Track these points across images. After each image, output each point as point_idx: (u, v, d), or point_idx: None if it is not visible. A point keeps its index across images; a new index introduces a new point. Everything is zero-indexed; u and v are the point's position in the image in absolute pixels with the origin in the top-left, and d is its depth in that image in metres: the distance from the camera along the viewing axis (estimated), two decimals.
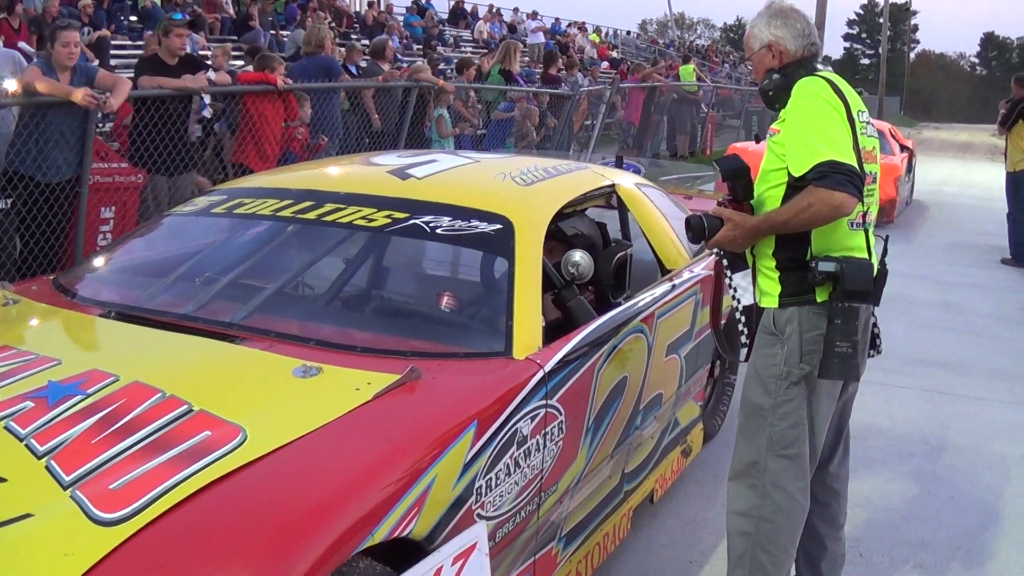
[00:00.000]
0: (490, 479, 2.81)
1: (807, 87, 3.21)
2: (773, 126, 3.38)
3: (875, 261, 3.34)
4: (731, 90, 30.64)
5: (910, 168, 14.69)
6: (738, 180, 3.35)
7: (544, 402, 3.12)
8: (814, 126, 3.13)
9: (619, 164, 7.10)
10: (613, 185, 4.52)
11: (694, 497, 4.77)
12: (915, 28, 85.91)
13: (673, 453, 4.63)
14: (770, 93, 3.40)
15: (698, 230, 3.36)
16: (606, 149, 16.82)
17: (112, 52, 17.39)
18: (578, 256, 3.77)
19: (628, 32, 44.05)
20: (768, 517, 3.35)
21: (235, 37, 21.12)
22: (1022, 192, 11.42)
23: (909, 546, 4.46)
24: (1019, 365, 7.34)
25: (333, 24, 24.64)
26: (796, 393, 3.28)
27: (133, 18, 19.54)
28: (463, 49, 28.91)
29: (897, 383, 6.66)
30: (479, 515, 2.76)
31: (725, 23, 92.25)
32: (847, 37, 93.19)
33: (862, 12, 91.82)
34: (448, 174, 4.17)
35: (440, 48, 26.33)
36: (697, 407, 4.90)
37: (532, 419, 3.04)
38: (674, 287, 4.36)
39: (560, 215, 4.17)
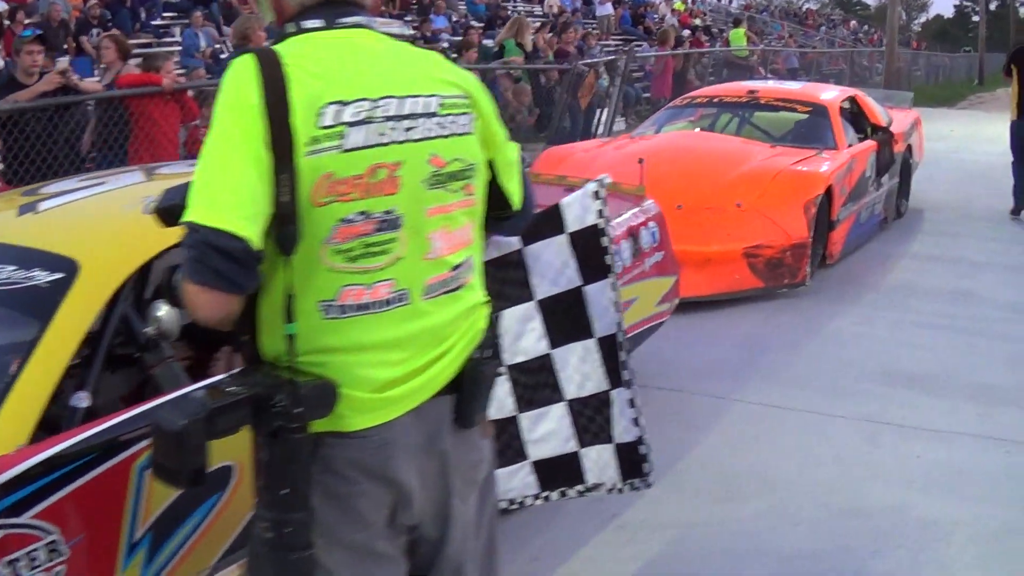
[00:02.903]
0: None
1: (224, 80, 1.89)
2: None
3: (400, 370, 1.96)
4: (819, 53, 28.79)
5: (885, 167, 9.46)
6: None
7: None
8: (203, 157, 1.86)
9: None
10: None
11: None
12: None
13: None
14: None
15: None
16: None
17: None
18: (161, 310, 2.74)
19: None
20: None
21: None
22: (1016, 141, 10.70)
23: None
24: (1012, 376, 5.91)
25: (386, 7, 23.85)
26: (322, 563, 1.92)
27: (168, 14, 18.94)
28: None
29: (835, 410, 5.33)
30: None
31: None
32: None
33: None
34: (76, 204, 3.27)
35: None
36: None
37: None
38: None
39: None
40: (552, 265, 3.11)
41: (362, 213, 1.87)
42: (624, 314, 4.96)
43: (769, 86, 10.04)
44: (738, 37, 18.50)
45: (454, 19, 24.20)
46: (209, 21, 17.97)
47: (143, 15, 18.14)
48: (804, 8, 51.46)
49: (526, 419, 3.20)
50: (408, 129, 1.93)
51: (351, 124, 1.86)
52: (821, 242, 8.05)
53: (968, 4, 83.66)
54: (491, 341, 2.14)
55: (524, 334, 3.15)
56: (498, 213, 2.27)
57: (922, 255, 8.99)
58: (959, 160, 15.78)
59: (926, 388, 5.69)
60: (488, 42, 19.37)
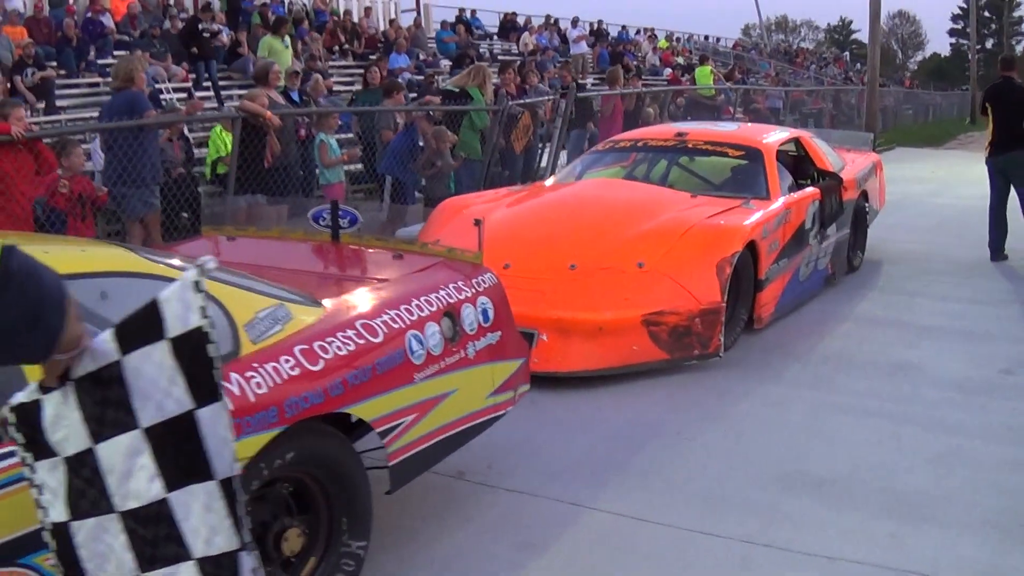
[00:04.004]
0: None
1: None
2: None
3: None
4: (801, 92, 27.94)
5: (831, 217, 8.41)
6: None
7: None
8: None
9: (335, 212, 5.02)
10: None
11: None
12: (1019, 21, 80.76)
13: None
14: None
15: None
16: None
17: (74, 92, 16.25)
18: None
19: (706, 37, 41.42)
20: None
21: (225, 65, 19.77)
22: (993, 179, 10.44)
23: None
24: (938, 481, 4.87)
25: (348, 45, 23.12)
26: None
27: (120, 52, 18.19)
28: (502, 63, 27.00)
29: (708, 526, 4.30)
30: None
31: (828, 24, 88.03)
32: (952, 32, 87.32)
33: (965, 6, 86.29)
34: None
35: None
36: None
37: None
38: None
39: None
40: (156, 383, 2.23)
41: None
42: (427, 417, 4.04)
43: (701, 128, 9.04)
44: (704, 76, 17.58)
45: (421, 58, 23.44)
46: (156, 60, 17.24)
47: (92, 53, 17.40)
48: (796, 47, 50.84)
49: None
50: None
51: None
52: (747, 305, 7.06)
53: (964, 43, 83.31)
54: None
55: (133, 472, 2.30)
56: None
57: (866, 318, 7.96)
58: (934, 205, 14.85)
59: (830, 497, 4.67)
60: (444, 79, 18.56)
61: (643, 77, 26.29)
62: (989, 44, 77.88)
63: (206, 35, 18.03)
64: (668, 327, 6.26)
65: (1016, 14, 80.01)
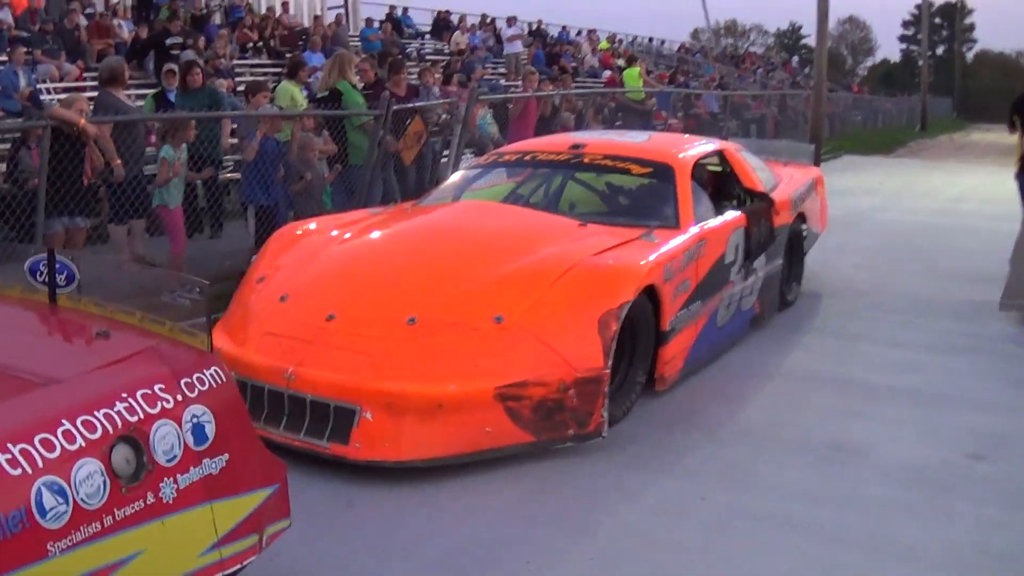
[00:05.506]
0: None
1: None
2: None
3: None
4: (743, 95, 26.71)
5: (760, 246, 7.01)
6: None
7: None
8: None
9: (51, 266, 3.50)
10: None
11: None
12: (971, 28, 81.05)
13: None
14: None
15: None
16: None
17: None
18: None
19: (650, 39, 40.04)
20: None
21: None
22: None
23: None
24: None
25: (261, 42, 21.59)
26: None
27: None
28: (432, 62, 25.61)
29: None
30: None
31: (778, 28, 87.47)
32: (903, 39, 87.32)
33: (917, 12, 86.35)
34: None
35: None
36: None
37: None
38: None
39: None
40: None
41: None
42: None
43: (602, 139, 7.52)
44: (632, 78, 16.13)
45: None
46: (48, 58, 15.71)
47: None
48: (744, 51, 49.75)
49: None
50: None
51: None
52: (644, 364, 5.60)
53: (915, 49, 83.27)
54: None
55: None
56: None
57: (799, 373, 6.50)
58: (883, 221, 13.54)
59: None
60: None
61: (580, 79, 25.01)
62: (940, 51, 77.72)
63: (174, 52, 16.15)
64: (532, 402, 4.76)
65: (968, 21, 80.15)
